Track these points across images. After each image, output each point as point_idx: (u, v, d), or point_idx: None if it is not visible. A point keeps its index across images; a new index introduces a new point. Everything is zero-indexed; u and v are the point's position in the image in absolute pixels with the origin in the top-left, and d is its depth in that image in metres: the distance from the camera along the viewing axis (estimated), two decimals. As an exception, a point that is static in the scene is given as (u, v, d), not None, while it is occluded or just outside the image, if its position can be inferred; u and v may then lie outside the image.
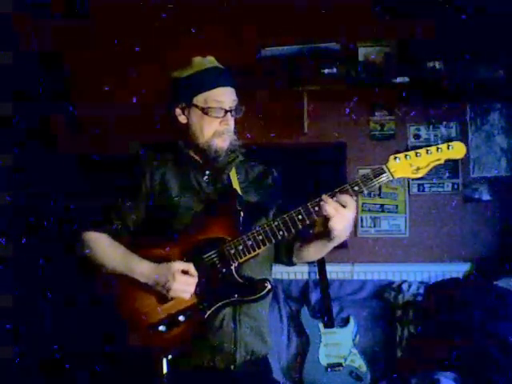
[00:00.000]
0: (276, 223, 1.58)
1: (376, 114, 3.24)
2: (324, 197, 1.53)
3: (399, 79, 3.04)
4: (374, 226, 3.23)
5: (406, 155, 1.57)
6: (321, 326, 2.88)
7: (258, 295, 1.63)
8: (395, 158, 1.57)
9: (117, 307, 1.65)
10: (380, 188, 3.21)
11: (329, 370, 2.82)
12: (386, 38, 3.16)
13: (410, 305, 2.88)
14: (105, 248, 1.67)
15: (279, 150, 3.20)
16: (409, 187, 3.21)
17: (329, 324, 2.88)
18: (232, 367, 1.66)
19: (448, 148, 1.60)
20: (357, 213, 3.26)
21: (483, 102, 3.18)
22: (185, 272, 1.59)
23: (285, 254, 1.79)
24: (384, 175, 1.55)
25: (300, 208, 1.57)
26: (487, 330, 2.52)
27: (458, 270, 3.12)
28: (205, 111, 1.67)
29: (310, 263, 3.12)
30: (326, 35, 3.15)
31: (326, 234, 1.58)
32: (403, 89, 3.09)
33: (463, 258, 3.15)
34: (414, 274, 3.13)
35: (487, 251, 3.12)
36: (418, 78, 3.03)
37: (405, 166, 1.57)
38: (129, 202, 1.71)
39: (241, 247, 1.60)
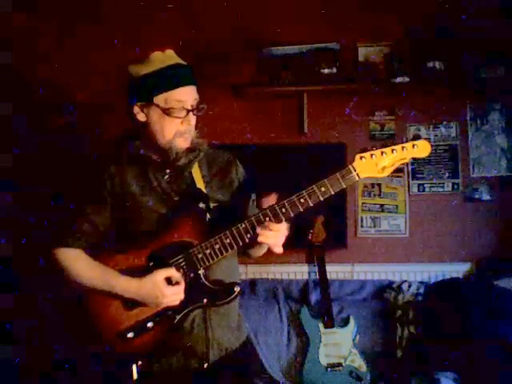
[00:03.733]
0: (243, 225, 1.58)
1: (376, 113, 3.24)
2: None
3: (399, 79, 3.03)
4: (374, 226, 3.23)
5: (371, 154, 1.56)
6: (321, 325, 2.88)
7: (228, 299, 1.64)
8: (361, 157, 1.56)
9: (86, 315, 1.63)
10: (380, 188, 3.22)
11: (329, 369, 2.82)
12: (386, 38, 3.16)
13: (410, 305, 2.88)
14: (82, 267, 1.63)
15: (279, 149, 3.20)
16: (409, 187, 3.21)
17: (329, 324, 2.88)
18: (205, 366, 1.65)
19: (413, 147, 1.57)
20: (357, 213, 3.28)
21: (483, 102, 3.18)
22: (168, 278, 1.58)
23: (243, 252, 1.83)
24: (350, 175, 1.57)
25: (267, 210, 1.57)
26: (487, 330, 2.52)
27: (457, 269, 3.12)
28: (166, 112, 1.61)
29: (309, 263, 3.14)
30: (326, 35, 3.15)
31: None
32: (403, 89, 3.09)
33: (463, 258, 3.14)
34: (414, 274, 3.13)
35: (487, 251, 3.12)
36: (417, 78, 3.03)
37: (371, 166, 1.57)
38: (94, 209, 1.66)
39: (208, 251, 1.59)
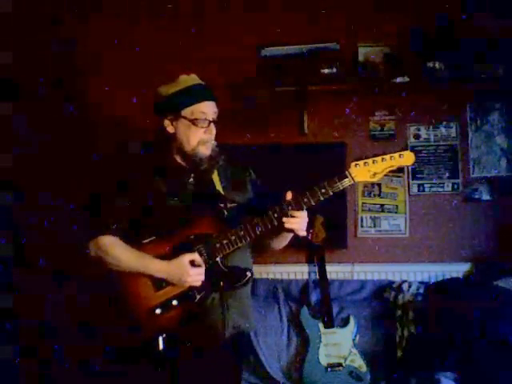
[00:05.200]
0: (255, 221, 1.86)
1: (376, 113, 3.24)
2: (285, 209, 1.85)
3: (399, 79, 3.03)
4: (374, 226, 3.23)
5: (364, 162, 1.84)
6: (321, 325, 2.89)
7: (241, 282, 1.92)
8: (356, 164, 1.85)
9: (121, 295, 1.89)
10: (380, 188, 3.22)
11: (329, 369, 2.82)
12: (386, 38, 3.16)
13: (410, 305, 2.88)
14: (120, 251, 1.89)
15: (279, 149, 3.20)
16: (409, 187, 3.21)
17: (329, 324, 2.88)
18: (221, 342, 1.91)
19: (400, 157, 1.85)
20: (357, 213, 3.28)
21: (483, 102, 3.18)
22: (192, 261, 1.85)
23: (257, 245, 2.07)
24: (346, 179, 1.84)
25: (276, 208, 1.85)
26: (487, 329, 2.52)
27: (457, 269, 3.12)
28: (192, 122, 1.91)
29: (309, 263, 3.14)
30: (326, 35, 3.15)
31: (287, 230, 1.89)
32: (403, 89, 3.09)
33: (463, 258, 3.14)
34: (414, 274, 3.13)
35: (487, 251, 3.12)
36: (417, 78, 3.03)
37: (364, 172, 1.85)
38: (127, 204, 1.92)
39: (225, 241, 1.87)
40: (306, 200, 1.84)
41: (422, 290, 2.94)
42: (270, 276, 3.18)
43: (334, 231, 3.10)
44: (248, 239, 1.88)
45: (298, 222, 1.86)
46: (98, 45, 3.20)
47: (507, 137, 3.16)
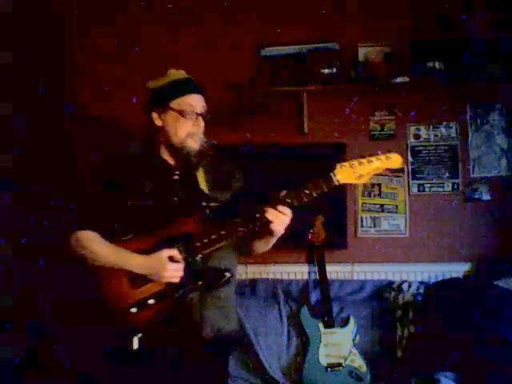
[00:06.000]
0: (237, 221, 1.83)
1: (376, 113, 3.24)
2: (266, 207, 1.80)
3: (399, 79, 3.03)
4: (374, 226, 3.23)
5: (350, 164, 1.80)
6: (321, 325, 2.89)
7: (219, 283, 1.89)
8: (341, 166, 1.80)
9: (98, 293, 1.86)
10: (380, 188, 3.22)
11: (329, 369, 2.82)
12: (386, 38, 3.16)
13: (410, 305, 2.88)
14: (99, 246, 1.87)
15: (279, 149, 3.20)
16: (409, 187, 3.21)
17: (329, 324, 2.88)
18: (199, 344, 1.87)
19: (387, 159, 1.82)
20: (357, 213, 3.28)
21: (483, 102, 3.18)
22: (171, 257, 1.81)
23: (242, 249, 2.03)
24: (331, 181, 1.80)
25: (258, 208, 1.81)
26: (487, 329, 2.52)
27: (457, 269, 3.12)
28: (180, 113, 1.91)
29: (309, 263, 3.13)
30: (326, 35, 3.15)
31: (268, 232, 1.85)
32: (403, 89, 3.09)
33: (463, 258, 3.14)
34: (414, 274, 3.13)
35: (487, 251, 3.12)
36: (417, 78, 3.03)
37: (349, 173, 1.80)
38: (108, 200, 1.89)
39: (206, 241, 1.84)
40: (289, 200, 1.80)
41: (421, 290, 2.94)
42: (270, 276, 3.18)
43: (334, 231, 3.10)
44: (229, 239, 1.85)
45: (281, 218, 1.80)
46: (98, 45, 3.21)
47: (507, 137, 3.16)
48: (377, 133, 3.24)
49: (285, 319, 3.00)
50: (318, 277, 2.96)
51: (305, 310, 2.94)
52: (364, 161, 1.80)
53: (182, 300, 1.86)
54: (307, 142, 3.21)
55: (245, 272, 3.17)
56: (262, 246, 2.01)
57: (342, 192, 3.17)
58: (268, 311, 3.01)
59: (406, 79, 3.03)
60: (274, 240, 1.94)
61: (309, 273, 3.15)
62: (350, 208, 3.22)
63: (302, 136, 3.21)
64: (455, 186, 3.19)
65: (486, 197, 3.15)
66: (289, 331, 2.98)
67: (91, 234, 1.88)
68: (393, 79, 3.04)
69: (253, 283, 3.14)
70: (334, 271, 3.12)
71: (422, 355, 2.64)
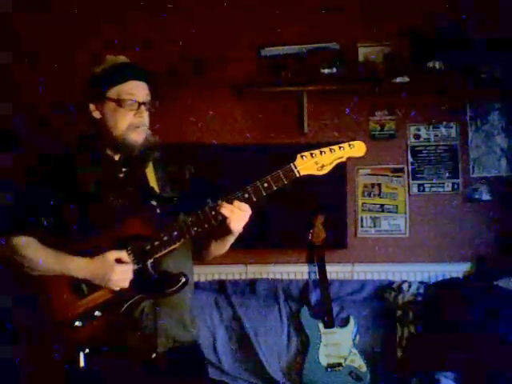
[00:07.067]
0: (190, 219, 1.65)
1: (376, 113, 3.24)
2: (221, 202, 1.65)
3: (399, 79, 3.03)
4: (374, 226, 3.23)
5: (311, 153, 1.69)
6: (321, 325, 2.88)
7: (173, 288, 1.67)
8: (302, 156, 1.68)
9: (37, 303, 1.67)
10: (380, 188, 3.22)
11: (329, 369, 2.82)
12: (386, 38, 3.16)
13: (410, 305, 2.88)
14: (35, 252, 1.67)
15: (279, 149, 3.20)
16: (409, 187, 3.21)
17: (329, 324, 2.88)
18: (154, 355, 1.69)
19: (350, 147, 1.71)
20: (357, 213, 3.27)
21: (483, 102, 3.18)
22: (118, 260, 1.64)
23: (197, 251, 1.86)
24: (291, 173, 1.67)
25: (213, 205, 1.65)
26: (487, 330, 2.52)
27: (457, 269, 3.12)
28: (118, 103, 1.70)
29: (309, 263, 3.13)
30: (326, 35, 3.15)
31: (225, 231, 1.69)
32: (403, 89, 3.09)
33: (463, 258, 3.14)
34: (414, 274, 3.13)
35: (487, 251, 3.12)
36: (417, 78, 3.03)
37: (310, 164, 1.68)
38: (48, 202, 1.70)
39: (156, 243, 1.65)
40: (246, 195, 1.64)
41: (421, 290, 2.93)
42: (270, 276, 3.18)
43: (334, 231, 3.10)
44: (182, 240, 1.67)
45: (238, 214, 1.64)
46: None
47: (507, 137, 3.16)
48: (377, 133, 3.23)
49: (285, 319, 3.00)
50: (318, 277, 2.96)
51: (305, 310, 2.94)
52: (326, 149, 1.69)
53: (132, 310, 1.67)
54: (307, 141, 3.21)
55: (245, 272, 3.17)
56: (219, 247, 1.83)
57: (342, 192, 3.17)
58: (268, 311, 3.01)
59: (406, 79, 3.03)
60: (231, 240, 1.77)
61: (309, 273, 3.15)
62: (350, 208, 3.22)
63: (302, 136, 3.21)
64: (455, 186, 3.19)
65: (486, 197, 3.15)
66: (289, 331, 2.98)
67: (26, 240, 1.68)
68: (393, 79, 3.04)
69: (253, 283, 3.14)
70: (334, 271, 3.12)
71: (422, 355, 2.64)
